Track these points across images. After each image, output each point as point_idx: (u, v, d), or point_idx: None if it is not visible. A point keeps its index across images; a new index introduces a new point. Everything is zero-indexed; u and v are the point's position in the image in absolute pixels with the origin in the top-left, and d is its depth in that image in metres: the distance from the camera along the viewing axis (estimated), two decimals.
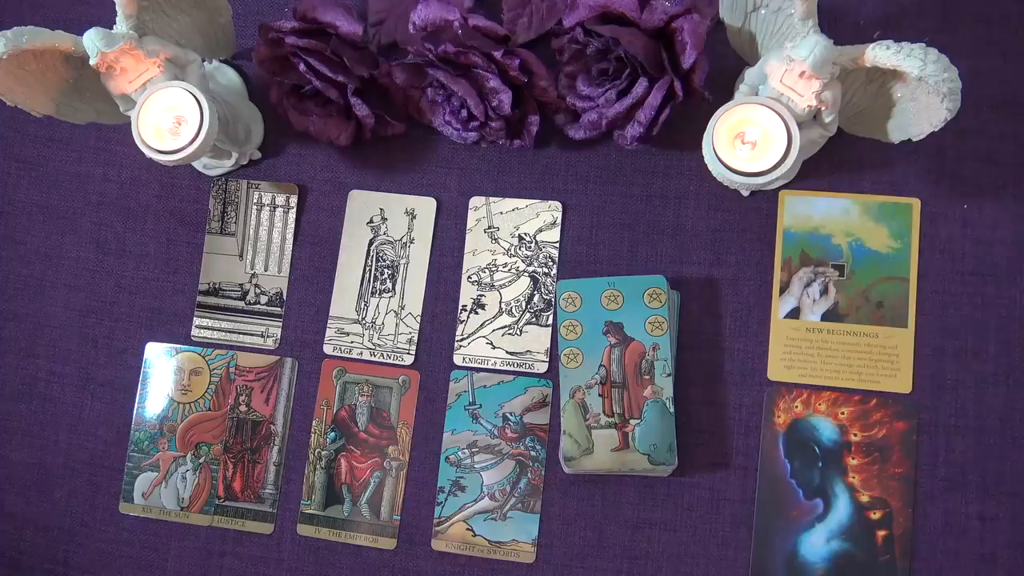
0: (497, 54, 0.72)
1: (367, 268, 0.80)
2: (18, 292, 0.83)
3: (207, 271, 0.81)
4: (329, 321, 0.79)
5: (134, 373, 0.81)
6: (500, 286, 0.78)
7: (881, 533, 0.71)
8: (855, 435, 0.72)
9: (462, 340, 0.78)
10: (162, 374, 0.80)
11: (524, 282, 0.78)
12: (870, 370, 0.73)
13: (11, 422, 0.81)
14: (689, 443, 0.74)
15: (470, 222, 0.79)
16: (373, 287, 0.80)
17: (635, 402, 0.71)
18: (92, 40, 0.68)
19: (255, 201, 0.82)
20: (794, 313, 0.75)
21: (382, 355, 0.78)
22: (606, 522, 0.74)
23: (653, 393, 0.71)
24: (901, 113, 0.69)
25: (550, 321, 0.77)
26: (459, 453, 0.76)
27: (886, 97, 0.68)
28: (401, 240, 0.80)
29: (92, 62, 0.69)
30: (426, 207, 0.80)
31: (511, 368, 0.77)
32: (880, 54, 0.63)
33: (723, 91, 0.74)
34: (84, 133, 0.84)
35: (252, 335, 0.80)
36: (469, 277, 0.79)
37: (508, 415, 0.76)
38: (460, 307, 0.78)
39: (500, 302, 0.78)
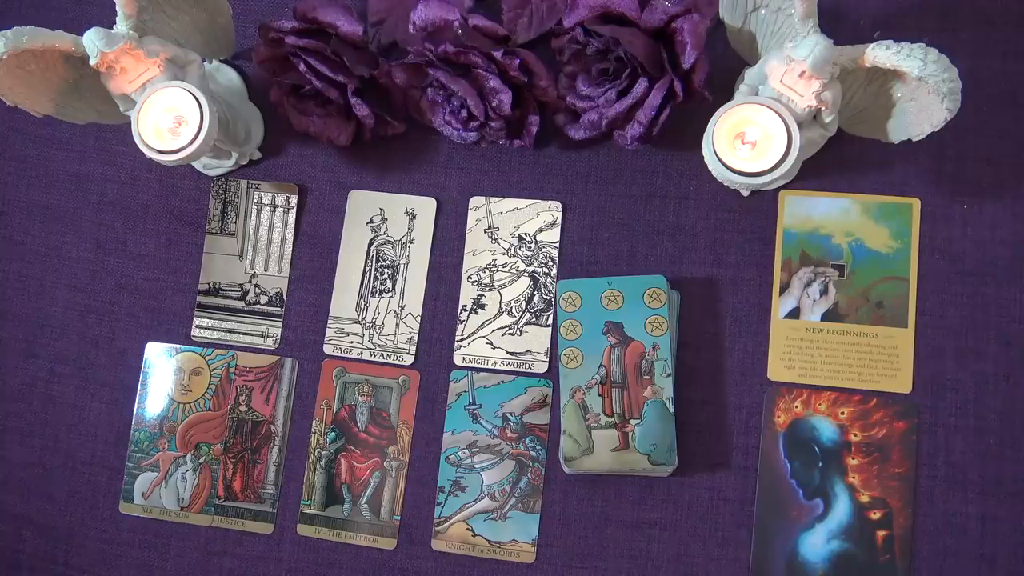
0: (497, 54, 0.72)
1: (367, 268, 0.80)
2: (18, 292, 0.83)
3: (207, 271, 0.81)
4: (329, 321, 0.79)
5: (134, 373, 0.81)
6: (500, 286, 0.78)
7: (881, 533, 0.71)
8: (855, 435, 0.72)
9: (462, 340, 0.78)
10: (162, 374, 0.80)
11: (524, 282, 0.78)
12: (870, 370, 0.73)
13: (11, 422, 0.81)
14: (689, 443, 0.74)
15: (470, 222, 0.79)
16: (373, 287, 0.80)
17: (635, 402, 0.71)
18: (92, 40, 0.68)
19: (255, 201, 0.82)
20: (794, 313, 0.75)
21: (382, 355, 0.78)
22: (606, 522, 0.74)
23: (653, 393, 0.71)
24: (901, 113, 0.68)
25: (550, 321, 0.77)
26: (459, 453, 0.76)
27: (886, 97, 0.68)
28: (401, 240, 0.80)
29: (92, 62, 0.69)
30: (426, 207, 0.80)
31: (511, 368, 0.77)
32: (880, 54, 0.63)
33: (723, 91, 0.74)
34: (84, 133, 0.84)
35: (252, 335, 0.80)
36: (469, 277, 0.79)
37: (508, 415, 0.76)
38: (460, 307, 0.78)
39: (500, 302, 0.78)
